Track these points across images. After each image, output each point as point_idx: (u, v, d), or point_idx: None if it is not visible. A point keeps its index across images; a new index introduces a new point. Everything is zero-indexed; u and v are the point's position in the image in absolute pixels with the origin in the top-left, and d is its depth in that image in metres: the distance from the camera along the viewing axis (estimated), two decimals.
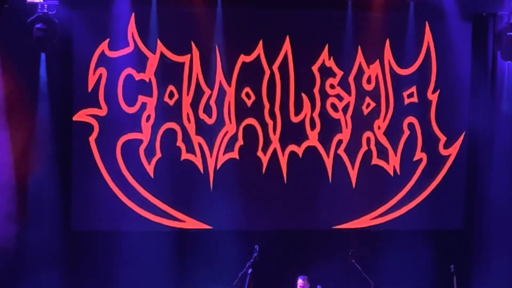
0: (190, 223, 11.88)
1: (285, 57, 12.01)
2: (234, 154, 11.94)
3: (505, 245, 12.30)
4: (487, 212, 12.48)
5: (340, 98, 12.18)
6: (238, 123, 11.95)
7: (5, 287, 11.45)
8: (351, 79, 12.11)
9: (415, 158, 12.34)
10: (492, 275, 12.17)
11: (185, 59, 11.76)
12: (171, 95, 11.77)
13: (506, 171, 12.41)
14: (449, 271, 11.12)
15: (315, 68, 12.02)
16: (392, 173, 12.27)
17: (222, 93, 11.89)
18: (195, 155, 11.87)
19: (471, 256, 12.38)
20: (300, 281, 11.02)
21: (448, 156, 12.41)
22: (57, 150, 11.53)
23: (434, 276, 11.98)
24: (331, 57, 12.05)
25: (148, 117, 11.73)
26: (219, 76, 11.87)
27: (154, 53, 11.69)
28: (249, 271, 10.50)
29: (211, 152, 11.92)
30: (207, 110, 11.90)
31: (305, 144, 12.08)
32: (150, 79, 11.71)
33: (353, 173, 12.17)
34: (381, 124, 12.26)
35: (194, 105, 11.85)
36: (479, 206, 12.56)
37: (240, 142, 11.93)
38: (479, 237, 12.43)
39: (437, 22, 12.16)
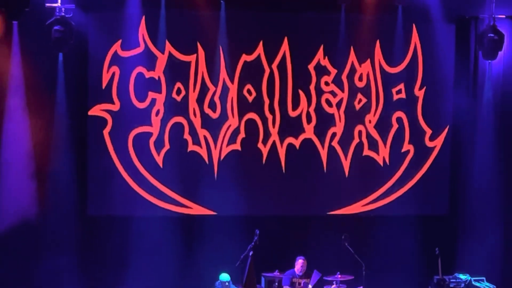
0: (196, 209, 12.04)
1: (284, 57, 12.09)
2: (237, 146, 12.08)
3: (487, 229, 12.34)
4: (470, 199, 12.55)
5: (334, 94, 12.25)
6: (240, 117, 12.06)
7: (29, 262, 11.41)
8: (344, 77, 12.21)
9: (403, 150, 12.46)
10: (474, 257, 12.22)
11: (192, 58, 11.88)
12: (178, 92, 11.89)
13: (487, 162, 12.46)
14: (434, 253, 11.23)
15: (311, 67, 12.13)
16: (382, 164, 12.41)
17: (225, 89, 11.99)
18: (201, 147, 12.00)
19: (455, 239, 12.42)
20: (300, 261, 11.28)
21: (433, 148, 12.51)
22: (74, 142, 11.65)
23: (420, 258, 11.99)
24: (326, 57, 12.14)
25: (158, 112, 11.86)
26: (223, 74, 11.95)
27: (163, 53, 11.78)
28: (250, 253, 10.62)
29: (215, 144, 12.06)
30: (212, 105, 11.99)
31: (301, 137, 12.23)
32: (159, 77, 11.81)
33: (346, 164, 12.32)
34: (371, 118, 12.37)
35: (200, 100, 11.96)
36: (463, 194, 12.63)
37: (242, 135, 12.08)
38: (463, 222, 12.51)
39: (423, 24, 12.23)
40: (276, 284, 11.25)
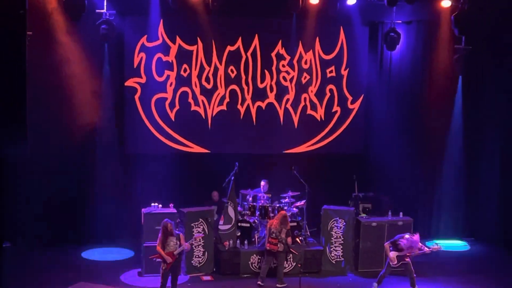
0: (196, 149, 14.08)
1: (255, 47, 14.02)
2: (223, 107, 14.09)
3: (388, 161, 14.52)
4: (376, 142, 14.91)
5: (288, 73, 14.25)
6: (226, 87, 14.00)
7: (85, 170, 13.24)
8: (295, 61, 14.22)
9: (333, 110, 14.63)
10: (380, 180, 14.57)
11: (194, 48, 13.83)
12: (185, 70, 13.81)
13: (389, 118, 14.79)
14: (352, 178, 13.66)
15: (273, 54, 14.20)
16: (319, 119, 14.53)
17: (216, 69, 13.91)
18: (200, 107, 14.01)
19: (367, 169, 14.71)
20: (263, 183, 13.26)
21: (353, 109, 14.77)
22: (115, 104, 13.70)
23: (342, 181, 14.13)
24: (283, 48, 14.14)
25: (171, 84, 13.83)
26: (215, 59, 13.86)
27: (174, 44, 13.67)
28: (232, 178, 12.49)
29: (209, 105, 14.05)
30: (207, 80, 13.92)
31: (266, 101, 14.26)
32: (172, 60, 13.73)
33: (295, 119, 14.41)
34: (313, 89, 14.44)
35: (199, 76, 13.84)
36: (372, 139, 14.96)
37: (227, 99, 14.06)
38: (372, 157, 14.84)
39: (347, 26, 14.32)
40: (248, 197, 12.95)
